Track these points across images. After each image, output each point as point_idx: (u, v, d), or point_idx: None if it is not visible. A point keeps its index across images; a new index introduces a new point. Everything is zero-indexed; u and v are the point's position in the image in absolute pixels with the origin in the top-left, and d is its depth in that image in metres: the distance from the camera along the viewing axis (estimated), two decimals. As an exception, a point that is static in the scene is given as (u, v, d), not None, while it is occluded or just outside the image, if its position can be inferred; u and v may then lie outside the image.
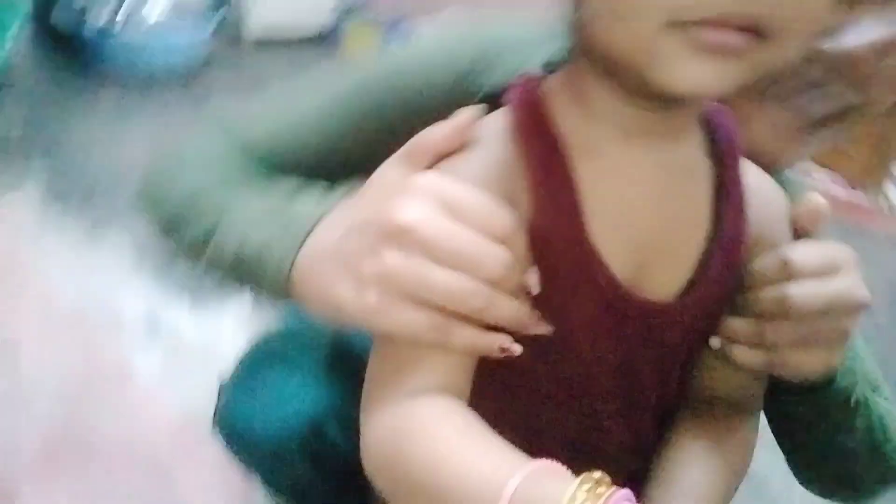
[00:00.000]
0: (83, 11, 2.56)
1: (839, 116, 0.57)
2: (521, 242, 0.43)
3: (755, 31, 0.35)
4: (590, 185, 0.44)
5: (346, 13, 3.84)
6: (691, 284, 0.47)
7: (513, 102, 0.45)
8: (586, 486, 0.33)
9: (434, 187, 0.41)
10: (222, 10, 3.04)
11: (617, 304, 0.45)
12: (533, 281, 0.43)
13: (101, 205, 1.85)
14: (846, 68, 0.54)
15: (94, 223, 1.77)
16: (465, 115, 0.45)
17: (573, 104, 0.44)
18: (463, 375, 0.44)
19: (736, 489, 0.52)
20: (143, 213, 0.62)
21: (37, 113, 2.29)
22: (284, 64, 3.42)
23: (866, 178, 2.94)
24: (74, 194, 1.88)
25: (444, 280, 0.40)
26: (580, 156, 0.44)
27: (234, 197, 0.56)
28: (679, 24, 0.35)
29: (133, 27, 2.58)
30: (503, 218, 0.42)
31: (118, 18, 2.55)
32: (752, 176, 0.50)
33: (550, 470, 0.36)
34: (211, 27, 2.95)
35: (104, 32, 2.56)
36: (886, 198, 2.94)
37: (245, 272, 0.51)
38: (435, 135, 0.45)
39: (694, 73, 0.36)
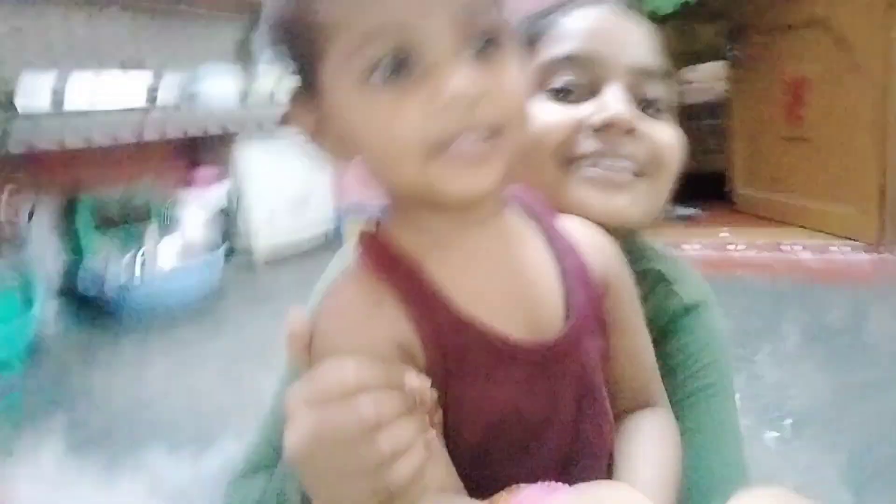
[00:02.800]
0: (102, 275, 2.88)
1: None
2: (366, 373, 0.42)
3: (491, 132, 0.44)
4: (446, 275, 0.49)
5: (344, 214, 4.14)
6: (568, 315, 0.52)
7: (362, 247, 0.51)
8: None
9: (297, 403, 0.43)
10: (228, 242, 3.36)
11: (521, 356, 0.49)
12: (412, 383, 0.44)
13: (118, 443, 1.98)
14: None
15: (111, 461, 1.88)
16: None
17: (407, 225, 0.50)
18: (446, 475, 0.47)
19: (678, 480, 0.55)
20: None
21: (63, 374, 2.46)
22: (294, 275, 3.62)
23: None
24: (93, 438, 2.01)
25: (343, 459, 0.41)
26: (427, 258, 0.49)
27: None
28: (435, 150, 0.43)
29: (149, 276, 2.88)
30: (350, 371, 0.42)
31: (135, 273, 2.86)
32: (570, 224, 0.57)
33: None
34: (220, 260, 3.28)
35: (123, 287, 2.86)
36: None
37: None
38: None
39: (467, 181, 0.44)
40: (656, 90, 0.67)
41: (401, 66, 0.43)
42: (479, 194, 0.45)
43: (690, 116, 4.10)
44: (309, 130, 0.50)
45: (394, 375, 0.43)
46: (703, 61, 3.97)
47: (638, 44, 0.67)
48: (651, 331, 0.67)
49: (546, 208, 0.57)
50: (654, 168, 0.66)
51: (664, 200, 0.69)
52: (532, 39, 0.69)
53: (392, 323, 0.47)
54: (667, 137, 0.66)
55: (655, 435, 0.57)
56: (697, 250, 3.07)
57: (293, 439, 0.43)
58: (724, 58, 3.63)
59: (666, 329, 0.70)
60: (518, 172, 0.59)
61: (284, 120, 0.52)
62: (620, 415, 0.58)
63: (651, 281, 0.73)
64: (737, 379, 1.86)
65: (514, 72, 0.46)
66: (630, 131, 0.63)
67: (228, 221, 3.57)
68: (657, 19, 4.72)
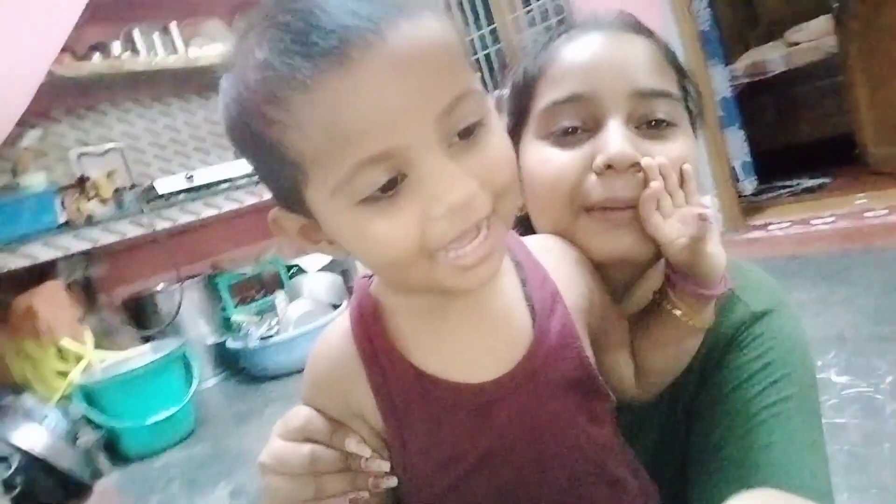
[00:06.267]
0: (245, 345, 3.17)
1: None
2: (321, 428, 0.55)
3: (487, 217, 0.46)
4: (413, 325, 0.54)
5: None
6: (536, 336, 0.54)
7: (354, 294, 0.58)
8: None
9: (277, 429, 0.58)
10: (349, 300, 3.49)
11: (473, 400, 0.52)
12: (350, 447, 0.54)
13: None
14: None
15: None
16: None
17: (383, 284, 0.56)
18: None
19: None
20: None
21: (224, 440, 2.65)
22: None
23: None
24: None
25: (282, 487, 0.55)
26: (400, 308, 0.54)
27: None
28: (435, 251, 0.45)
29: (281, 341, 3.09)
30: (302, 426, 0.56)
31: (270, 340, 3.11)
32: (534, 242, 0.60)
33: None
34: (344, 305, 3.39)
35: (262, 354, 3.11)
36: None
37: None
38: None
39: (476, 277, 0.47)
40: (663, 106, 0.65)
41: (393, 182, 0.44)
42: (486, 282, 0.48)
43: (802, 80, 3.86)
44: (293, 236, 0.52)
45: (337, 437, 0.54)
46: (808, 19, 3.69)
47: (637, 67, 0.65)
48: (718, 343, 0.68)
49: (516, 238, 0.60)
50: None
51: None
52: (530, 81, 0.70)
53: (349, 383, 0.54)
54: (676, 152, 0.65)
55: None
56: (830, 223, 2.83)
57: (262, 457, 0.57)
58: (829, 11, 3.34)
59: (734, 340, 0.67)
60: (540, 222, 0.69)
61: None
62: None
63: None
64: (882, 363, 1.75)
65: (498, 143, 0.48)
66: (633, 166, 0.62)
67: (347, 280, 3.73)
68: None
